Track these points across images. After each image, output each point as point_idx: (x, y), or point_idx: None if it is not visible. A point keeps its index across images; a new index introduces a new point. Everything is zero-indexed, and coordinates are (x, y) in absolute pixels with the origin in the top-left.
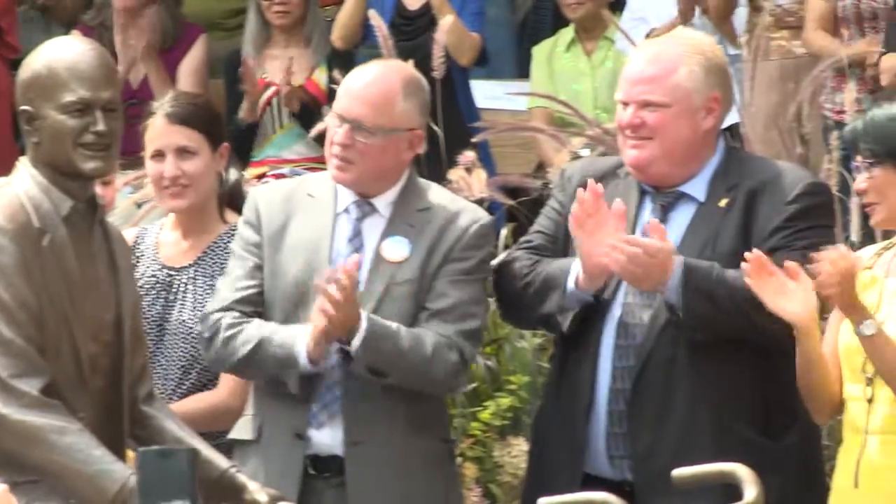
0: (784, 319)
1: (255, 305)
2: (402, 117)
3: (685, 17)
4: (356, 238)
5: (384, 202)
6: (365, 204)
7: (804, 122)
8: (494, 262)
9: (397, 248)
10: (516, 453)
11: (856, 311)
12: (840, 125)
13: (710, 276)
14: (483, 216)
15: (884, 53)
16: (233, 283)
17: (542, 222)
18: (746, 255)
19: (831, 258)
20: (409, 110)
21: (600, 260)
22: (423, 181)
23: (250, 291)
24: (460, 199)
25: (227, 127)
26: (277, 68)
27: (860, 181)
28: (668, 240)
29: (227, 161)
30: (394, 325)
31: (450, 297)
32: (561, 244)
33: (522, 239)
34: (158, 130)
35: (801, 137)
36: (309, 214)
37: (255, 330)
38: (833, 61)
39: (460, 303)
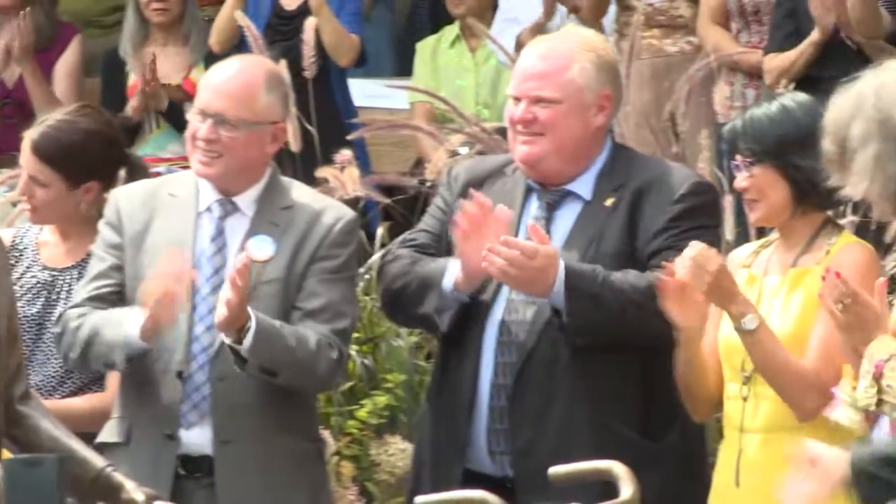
0: (673, 323)
1: (110, 304)
2: (265, 110)
3: (548, 15)
4: (219, 237)
5: (247, 200)
6: (227, 202)
7: (679, 120)
8: (372, 259)
9: (262, 247)
10: (393, 451)
11: (736, 306)
12: (717, 124)
13: (595, 280)
14: (347, 213)
15: (767, 53)
16: (88, 283)
17: (428, 221)
18: (665, 263)
19: (690, 255)
20: (272, 103)
21: (478, 262)
22: (285, 179)
23: (104, 290)
24: (323, 197)
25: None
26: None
27: (740, 180)
28: (549, 243)
29: (95, 195)
30: (277, 322)
31: (321, 297)
32: (445, 243)
33: (408, 237)
34: (24, 148)
35: (677, 136)
36: (171, 214)
37: (96, 317)
38: (708, 61)
39: (332, 302)
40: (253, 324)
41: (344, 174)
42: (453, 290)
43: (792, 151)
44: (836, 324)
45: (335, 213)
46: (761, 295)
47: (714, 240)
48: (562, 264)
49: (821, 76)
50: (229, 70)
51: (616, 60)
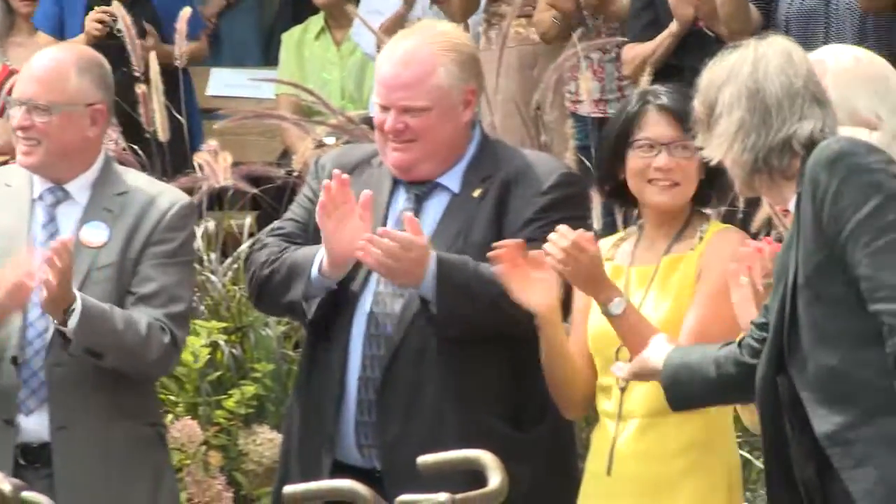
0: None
1: None
2: (78, 92)
3: (409, 6)
4: (51, 224)
5: (78, 187)
6: (58, 190)
7: (547, 110)
8: (240, 248)
9: (96, 233)
10: (261, 441)
11: (602, 291)
12: (575, 115)
13: (465, 271)
14: (182, 198)
15: (625, 43)
16: None
17: (295, 209)
18: (496, 244)
19: (552, 238)
20: (85, 85)
21: (344, 248)
22: (119, 166)
23: None
24: (158, 182)
25: None
26: (22, 56)
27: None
28: (423, 234)
29: None
30: (106, 305)
31: (155, 282)
32: (312, 231)
33: (275, 225)
34: None
35: (544, 126)
36: (6, 204)
37: None
38: (576, 50)
39: (166, 286)
40: (78, 305)
41: (217, 161)
42: (320, 276)
43: None
44: (755, 300)
45: (170, 198)
46: (628, 285)
47: (582, 231)
48: (433, 255)
49: (681, 65)
50: (41, 58)
51: (475, 51)
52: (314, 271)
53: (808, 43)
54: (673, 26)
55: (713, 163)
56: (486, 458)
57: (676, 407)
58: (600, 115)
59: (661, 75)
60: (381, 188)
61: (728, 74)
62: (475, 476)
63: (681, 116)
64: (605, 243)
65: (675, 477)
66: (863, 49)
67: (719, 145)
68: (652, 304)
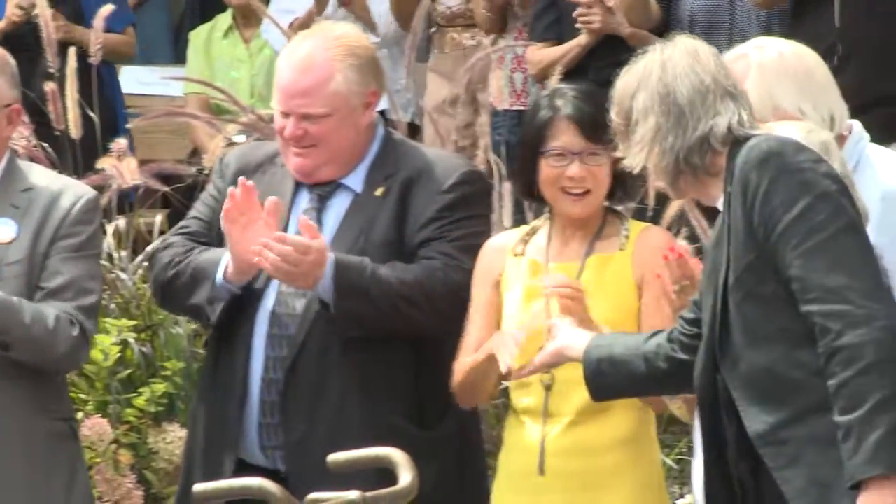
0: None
1: None
2: None
3: (321, 8)
4: None
5: None
6: None
7: (460, 108)
8: (150, 247)
9: (4, 230)
10: (171, 439)
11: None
12: (500, 111)
13: (364, 273)
14: (88, 192)
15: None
16: None
17: (199, 208)
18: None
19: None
20: (1, 87)
21: (250, 255)
22: (23, 163)
23: None
24: (63, 178)
25: None
26: None
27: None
28: (320, 237)
29: None
30: (15, 298)
31: (63, 275)
32: (217, 230)
33: (180, 224)
34: None
35: (465, 126)
36: None
37: None
38: (490, 51)
39: (75, 280)
40: None
41: (122, 163)
42: (225, 282)
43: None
44: (669, 306)
45: (75, 193)
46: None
47: (486, 229)
48: (331, 257)
49: (588, 65)
50: None
51: (373, 52)
52: (219, 276)
53: (713, 39)
54: (582, 39)
55: (636, 171)
56: (396, 455)
57: (598, 398)
58: (522, 108)
59: (566, 75)
60: (284, 188)
61: (639, 82)
62: (383, 474)
63: (590, 124)
64: (512, 236)
65: (609, 474)
66: (791, 42)
67: (639, 152)
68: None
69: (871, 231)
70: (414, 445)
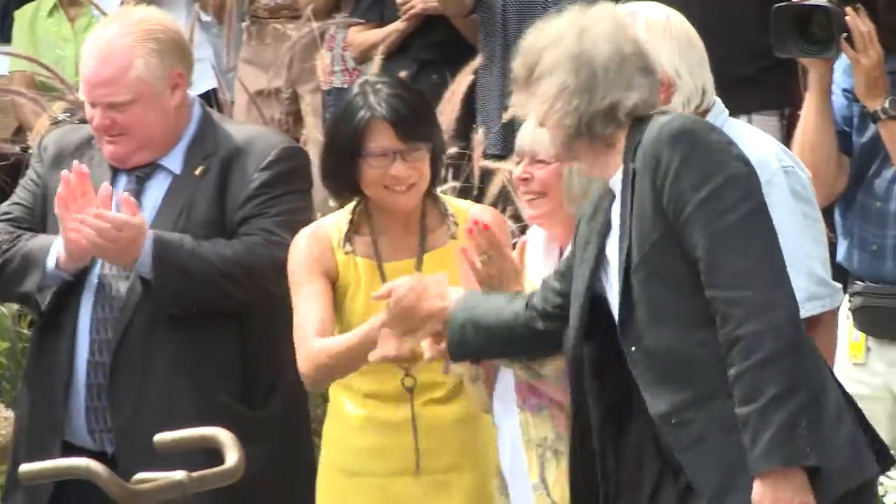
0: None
1: None
2: None
3: None
4: None
5: None
6: None
7: (284, 88)
8: None
9: None
10: None
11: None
12: (330, 89)
13: (183, 250)
14: None
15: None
16: None
17: (21, 194)
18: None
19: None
20: None
21: (78, 239)
22: None
23: None
24: None
25: None
26: None
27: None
28: (139, 214)
29: None
30: None
31: None
32: (39, 216)
33: (2, 210)
34: None
35: (285, 104)
36: None
37: None
38: (307, 31)
39: None
40: None
41: None
42: (56, 269)
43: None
44: (476, 277)
45: None
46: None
47: (305, 204)
48: (150, 234)
49: (409, 44)
50: None
51: (176, 34)
52: (50, 264)
53: (525, 28)
54: (400, 24)
55: (537, 124)
56: (222, 435)
57: (457, 358)
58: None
59: (391, 56)
60: (103, 170)
61: (553, 37)
62: (213, 455)
63: (407, 124)
64: (330, 227)
65: (452, 476)
66: (676, 11)
67: (539, 106)
68: None
69: None
70: (243, 425)
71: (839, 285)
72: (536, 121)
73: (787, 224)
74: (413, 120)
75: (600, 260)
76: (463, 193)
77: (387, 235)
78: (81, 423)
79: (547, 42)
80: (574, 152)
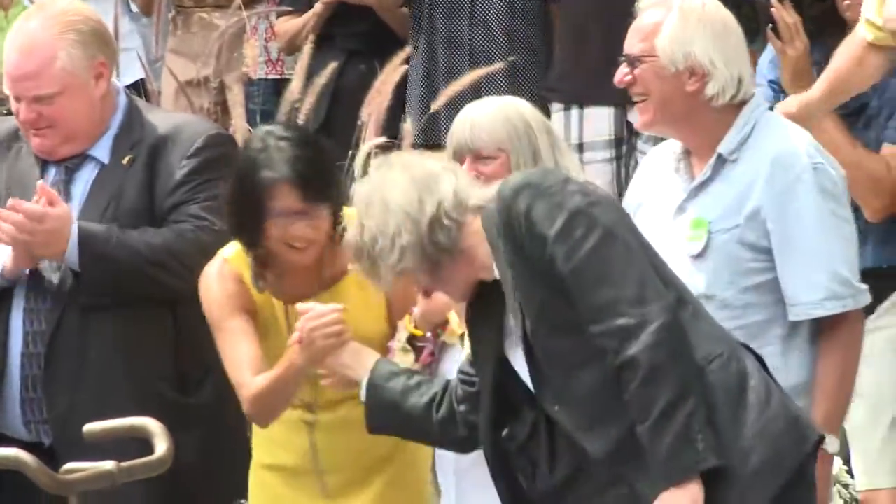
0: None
1: None
2: None
3: None
4: None
5: None
6: None
7: (212, 77)
8: None
9: None
10: None
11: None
12: (256, 80)
13: (109, 240)
14: None
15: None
16: None
17: None
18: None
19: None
20: None
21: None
22: None
23: None
24: None
25: None
26: None
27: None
28: (61, 204)
29: None
30: None
31: None
32: None
33: None
34: None
35: (213, 93)
36: None
37: None
38: (235, 21)
39: None
40: None
41: None
42: (1, 278)
43: None
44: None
45: None
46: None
47: None
48: (76, 225)
49: (335, 34)
50: None
51: (98, 24)
52: None
53: (453, 19)
54: (318, 7)
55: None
56: (151, 425)
57: (374, 433)
58: (277, 77)
59: (319, 41)
60: (31, 162)
61: (361, 203)
62: (144, 443)
63: (311, 187)
64: (236, 268)
65: (376, 483)
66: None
67: (396, 267)
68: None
69: (759, 189)
70: (176, 413)
71: (865, 287)
72: (385, 288)
73: (808, 221)
74: (316, 181)
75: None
76: None
77: (288, 277)
78: (16, 414)
79: (363, 208)
80: (448, 279)
